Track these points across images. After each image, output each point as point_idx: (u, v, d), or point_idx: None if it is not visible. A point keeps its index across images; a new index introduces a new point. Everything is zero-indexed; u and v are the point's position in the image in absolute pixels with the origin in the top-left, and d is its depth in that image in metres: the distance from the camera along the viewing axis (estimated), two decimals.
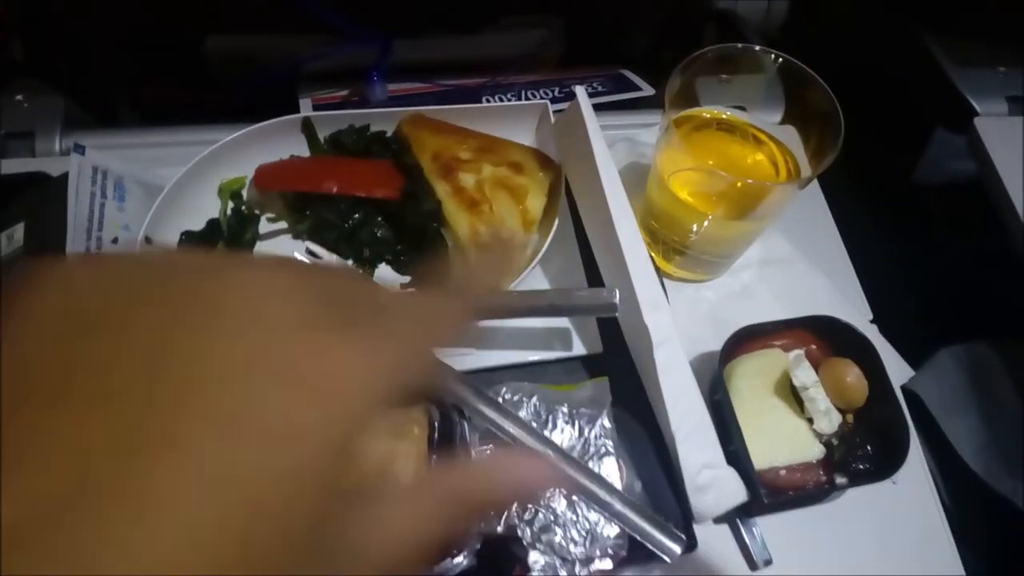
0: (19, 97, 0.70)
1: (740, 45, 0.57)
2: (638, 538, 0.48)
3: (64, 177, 0.59)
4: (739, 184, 0.55)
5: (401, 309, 0.23)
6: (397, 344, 0.21)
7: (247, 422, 0.17)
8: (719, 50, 0.58)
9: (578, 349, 0.60)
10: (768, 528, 0.56)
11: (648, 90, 0.77)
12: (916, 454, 0.60)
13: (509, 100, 0.76)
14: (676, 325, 0.55)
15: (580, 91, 0.58)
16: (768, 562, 0.55)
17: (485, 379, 0.55)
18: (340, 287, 0.22)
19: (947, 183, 0.87)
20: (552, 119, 0.64)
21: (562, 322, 0.61)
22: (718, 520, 0.56)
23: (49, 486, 0.16)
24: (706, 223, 0.59)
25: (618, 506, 0.48)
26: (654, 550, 0.48)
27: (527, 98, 0.76)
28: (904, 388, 0.64)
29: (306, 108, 0.75)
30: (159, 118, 0.77)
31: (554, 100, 0.65)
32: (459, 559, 0.48)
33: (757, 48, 0.57)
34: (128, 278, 0.19)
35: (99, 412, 0.17)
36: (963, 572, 0.56)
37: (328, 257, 0.54)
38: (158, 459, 0.16)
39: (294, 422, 0.18)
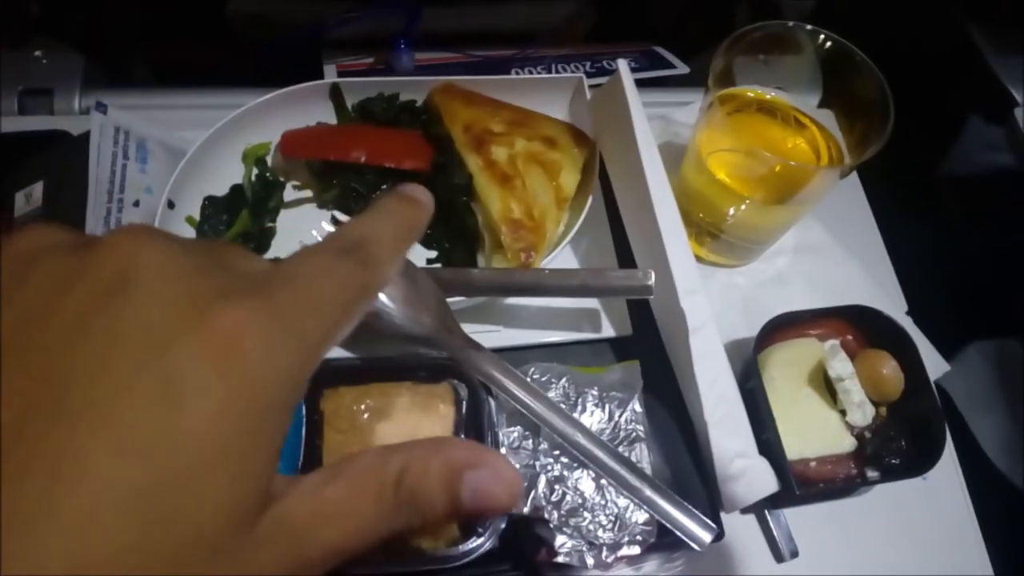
0: (38, 53, 0.68)
1: (790, 23, 0.55)
2: (667, 525, 0.47)
3: (85, 136, 0.57)
4: (778, 168, 0.53)
5: (283, 276, 0.22)
6: (292, 308, 0.21)
7: (159, 388, 0.18)
8: (765, 27, 0.56)
9: (607, 331, 0.59)
10: (794, 520, 0.55)
11: (682, 68, 0.75)
12: (946, 450, 0.58)
13: (539, 73, 0.74)
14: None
15: (623, 64, 0.56)
16: (795, 554, 0.54)
17: (511, 359, 0.54)
18: (223, 256, 0.22)
19: (981, 174, 0.85)
20: (587, 93, 0.63)
21: (591, 303, 0.60)
22: (745, 510, 0.55)
23: None
24: (743, 207, 0.58)
25: (648, 492, 0.47)
26: (683, 538, 0.47)
27: (558, 72, 0.74)
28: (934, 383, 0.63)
29: (331, 74, 0.73)
30: (178, 80, 0.76)
31: (586, 75, 0.63)
32: (482, 540, 0.47)
33: (808, 27, 0.55)
34: (38, 261, 0.20)
35: (16, 387, 0.17)
36: (992, 573, 0.56)
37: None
38: (76, 427, 0.17)
39: (198, 384, 0.18)
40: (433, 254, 0.61)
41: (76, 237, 0.21)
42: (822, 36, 0.56)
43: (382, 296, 0.51)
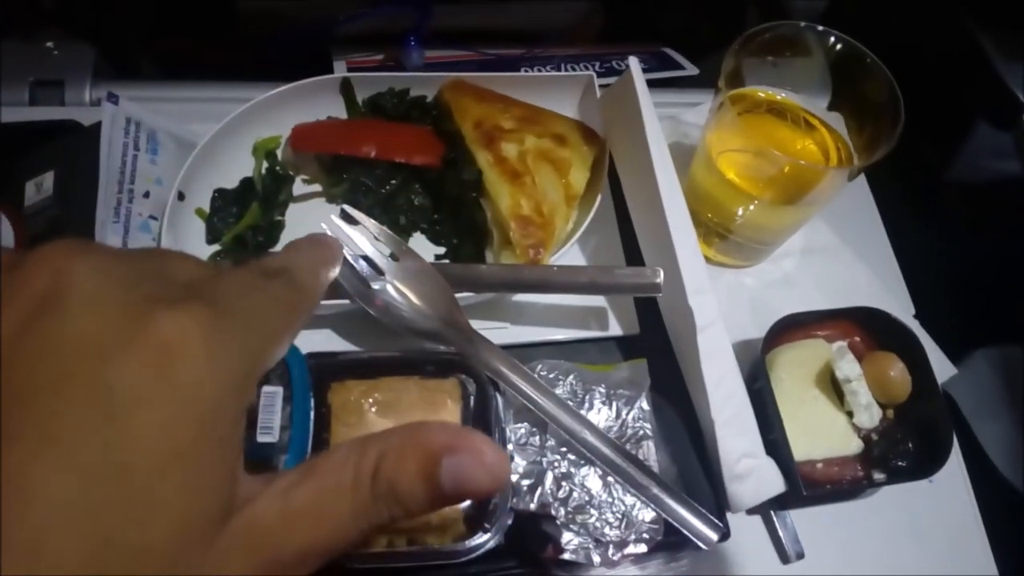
0: (49, 44, 0.68)
1: (802, 24, 0.55)
2: (674, 524, 0.47)
3: (96, 127, 0.57)
4: (788, 168, 0.53)
5: (216, 286, 0.22)
6: (230, 314, 0.21)
7: (100, 402, 0.17)
8: (777, 28, 0.56)
9: (614, 330, 0.59)
10: (799, 521, 0.55)
11: (691, 69, 0.75)
12: (953, 454, 0.58)
13: (548, 72, 0.74)
14: None
15: (634, 62, 0.56)
16: (800, 555, 0.54)
17: (519, 355, 0.54)
18: (159, 264, 0.22)
19: (987, 180, 0.85)
20: (597, 92, 0.63)
21: (598, 301, 0.60)
22: (751, 511, 0.55)
23: None
24: (752, 207, 0.58)
25: (655, 490, 0.47)
26: (690, 537, 0.47)
27: (567, 71, 0.74)
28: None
29: (340, 70, 0.73)
30: (187, 73, 0.75)
31: (595, 74, 0.64)
32: (488, 536, 0.46)
33: (820, 28, 0.55)
34: None
35: None
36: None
37: (364, 221, 0.53)
38: (18, 449, 0.16)
39: (140, 394, 0.18)
40: (441, 250, 0.61)
41: (6, 256, 0.21)
42: (833, 37, 0.56)
43: (390, 291, 0.51)
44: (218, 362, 0.19)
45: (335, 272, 0.28)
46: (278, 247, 0.58)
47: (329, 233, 0.52)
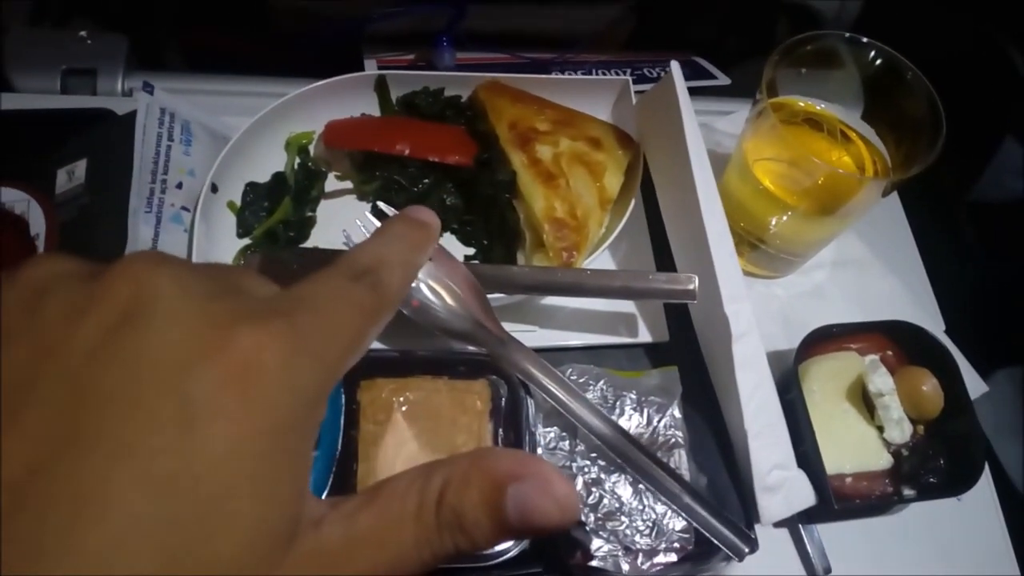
0: (83, 34, 0.68)
1: (847, 34, 0.55)
2: (706, 534, 0.47)
3: (129, 116, 0.57)
4: (824, 178, 0.53)
5: (297, 299, 0.22)
6: (308, 329, 0.21)
7: (179, 415, 0.17)
8: (820, 38, 0.56)
9: (643, 336, 0.58)
10: (827, 535, 0.54)
11: (723, 79, 0.75)
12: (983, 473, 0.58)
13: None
14: None
15: (675, 67, 0.56)
16: (828, 570, 0.53)
17: (547, 359, 0.53)
18: (236, 280, 0.22)
19: (1010, 200, 0.84)
20: (633, 97, 0.62)
21: (628, 307, 0.59)
22: (778, 523, 0.54)
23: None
24: (786, 217, 0.57)
25: (687, 499, 0.47)
26: (722, 548, 0.46)
27: (598, 76, 0.74)
28: None
29: (371, 68, 0.72)
30: (217, 67, 0.75)
31: None
32: (517, 540, 0.46)
33: (864, 40, 0.55)
34: (54, 291, 0.20)
35: (35, 421, 0.17)
36: None
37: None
38: (97, 459, 0.16)
39: (218, 408, 0.18)
40: (471, 251, 0.60)
41: (86, 266, 0.21)
42: (875, 50, 0.56)
43: (424, 289, 0.51)
44: (294, 379, 0.19)
45: (423, 263, 0.28)
46: (309, 243, 0.58)
47: (363, 230, 0.52)
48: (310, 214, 0.59)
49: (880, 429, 0.54)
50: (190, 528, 0.17)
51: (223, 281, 0.21)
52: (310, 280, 0.23)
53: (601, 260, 0.58)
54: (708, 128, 0.68)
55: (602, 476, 0.49)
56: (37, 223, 0.54)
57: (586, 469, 0.49)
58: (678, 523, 0.48)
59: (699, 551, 0.48)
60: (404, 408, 0.49)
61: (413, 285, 0.50)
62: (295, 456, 0.20)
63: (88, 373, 0.18)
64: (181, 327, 0.18)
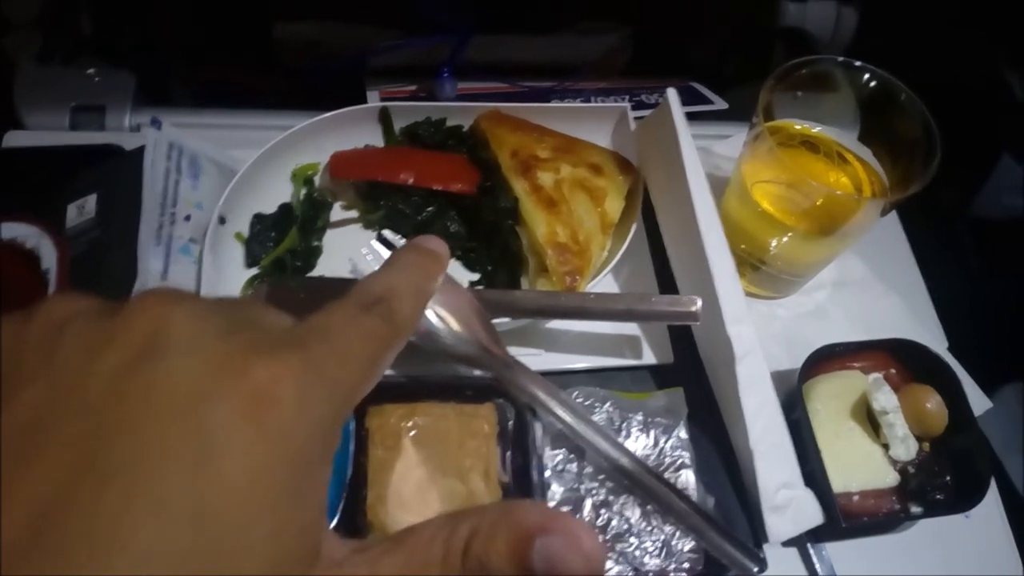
0: (91, 71, 0.69)
1: (840, 59, 0.56)
2: (715, 555, 0.47)
3: (138, 152, 0.58)
4: (820, 201, 0.54)
5: (311, 329, 0.22)
6: (323, 360, 0.21)
7: (196, 448, 0.17)
8: (814, 62, 0.57)
9: (648, 358, 0.59)
10: (835, 554, 0.54)
11: (720, 104, 0.76)
12: (990, 488, 0.58)
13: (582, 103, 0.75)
14: None
15: (671, 93, 0.57)
16: None
17: (553, 383, 0.54)
18: (249, 313, 0.22)
19: (1007, 218, 0.85)
20: (631, 123, 0.64)
21: (632, 330, 0.60)
22: (787, 543, 0.54)
23: (13, 524, 0.16)
24: (786, 238, 0.58)
25: (696, 519, 0.47)
26: (732, 568, 0.46)
27: (597, 103, 0.75)
28: None
29: (373, 100, 0.74)
30: (221, 102, 0.77)
31: None
32: None
33: (857, 63, 0.56)
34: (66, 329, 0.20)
35: (54, 456, 0.17)
36: None
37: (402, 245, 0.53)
38: (114, 493, 0.16)
39: (235, 440, 0.18)
40: (475, 276, 0.61)
41: (102, 304, 0.21)
42: (869, 73, 0.57)
43: (430, 315, 0.52)
44: (309, 409, 0.19)
45: (433, 291, 0.28)
46: (316, 272, 0.59)
47: (369, 259, 0.52)
48: (316, 243, 0.60)
49: (885, 447, 0.55)
50: (207, 561, 0.17)
51: (237, 316, 0.21)
52: (323, 311, 0.23)
53: (604, 284, 0.59)
54: (706, 152, 0.69)
55: (610, 498, 0.49)
56: (48, 257, 0.54)
57: (594, 491, 0.49)
58: (687, 544, 0.48)
59: (709, 571, 0.48)
60: (412, 433, 0.50)
61: None
62: (313, 488, 0.20)
63: (106, 408, 0.18)
64: (198, 362, 0.19)
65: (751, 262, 0.61)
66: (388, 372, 0.54)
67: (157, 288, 0.21)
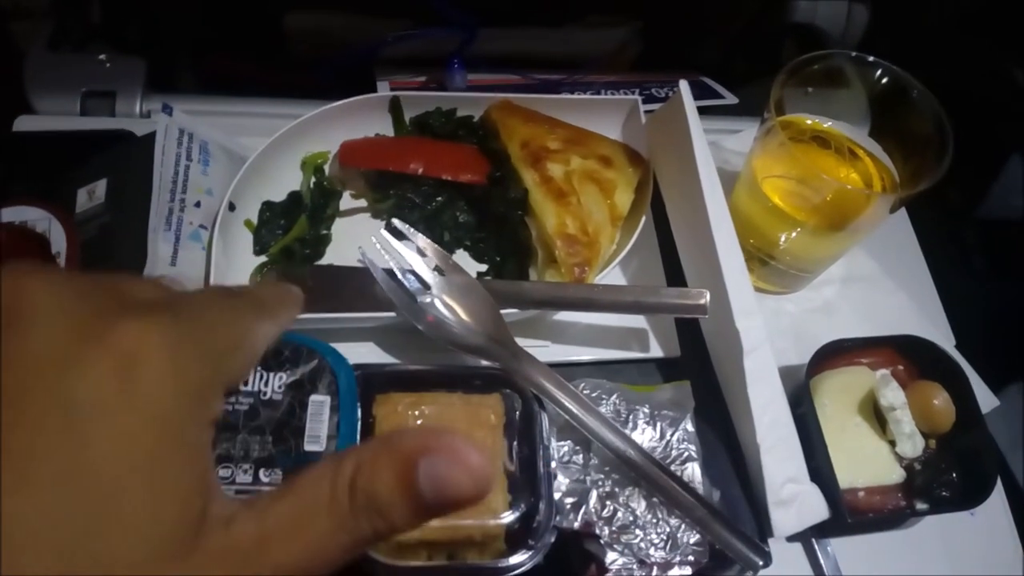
0: (102, 57, 0.69)
1: (853, 53, 0.56)
2: (720, 547, 0.47)
3: (149, 137, 0.58)
4: (833, 195, 0.53)
5: (177, 298, 0.22)
6: (191, 322, 0.21)
7: (60, 415, 0.17)
8: (827, 57, 0.57)
9: (655, 351, 0.59)
10: (840, 549, 0.54)
11: (730, 98, 0.76)
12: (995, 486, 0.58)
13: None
14: None
15: (684, 86, 0.57)
16: None
17: (560, 374, 0.54)
18: (116, 283, 0.22)
19: (1014, 218, 0.85)
20: (642, 116, 0.63)
21: (639, 322, 0.60)
22: (791, 538, 0.54)
23: None
24: (795, 233, 0.58)
25: (701, 512, 0.47)
26: (737, 562, 0.46)
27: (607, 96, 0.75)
28: None
29: (383, 91, 0.74)
30: (234, 90, 0.77)
31: None
32: (530, 554, 0.46)
33: (870, 58, 0.56)
34: None
35: None
36: None
37: (411, 235, 0.53)
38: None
39: (100, 405, 0.17)
40: (483, 267, 0.61)
41: None
42: (881, 68, 0.57)
43: (438, 304, 0.52)
44: (180, 369, 0.19)
45: (296, 311, 0.28)
46: (324, 260, 0.59)
47: (379, 247, 0.53)
48: (325, 232, 0.60)
49: (892, 443, 0.54)
50: (82, 527, 0.16)
51: (102, 282, 0.21)
52: (190, 291, 0.23)
53: (612, 276, 0.59)
54: (716, 147, 0.69)
55: (616, 489, 0.49)
56: (58, 241, 0.55)
57: (600, 482, 0.49)
58: (692, 536, 0.48)
59: (713, 564, 0.48)
60: (419, 422, 0.49)
61: (427, 300, 0.51)
62: (189, 450, 0.19)
63: None
64: (59, 328, 0.18)
65: (760, 257, 0.61)
66: (395, 361, 0.55)
67: (14, 263, 0.20)
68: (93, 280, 0.21)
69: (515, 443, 0.50)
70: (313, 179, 0.61)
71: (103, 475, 0.17)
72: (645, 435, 0.51)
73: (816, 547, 0.54)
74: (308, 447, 0.44)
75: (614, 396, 0.53)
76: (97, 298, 0.20)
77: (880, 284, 0.65)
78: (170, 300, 0.22)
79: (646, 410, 0.52)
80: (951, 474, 0.54)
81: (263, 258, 0.58)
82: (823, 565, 0.53)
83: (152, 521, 0.18)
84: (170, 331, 0.19)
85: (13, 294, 0.19)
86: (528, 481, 0.48)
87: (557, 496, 0.48)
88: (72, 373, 0.18)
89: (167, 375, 0.19)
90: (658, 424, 0.52)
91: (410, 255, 0.53)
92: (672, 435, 0.51)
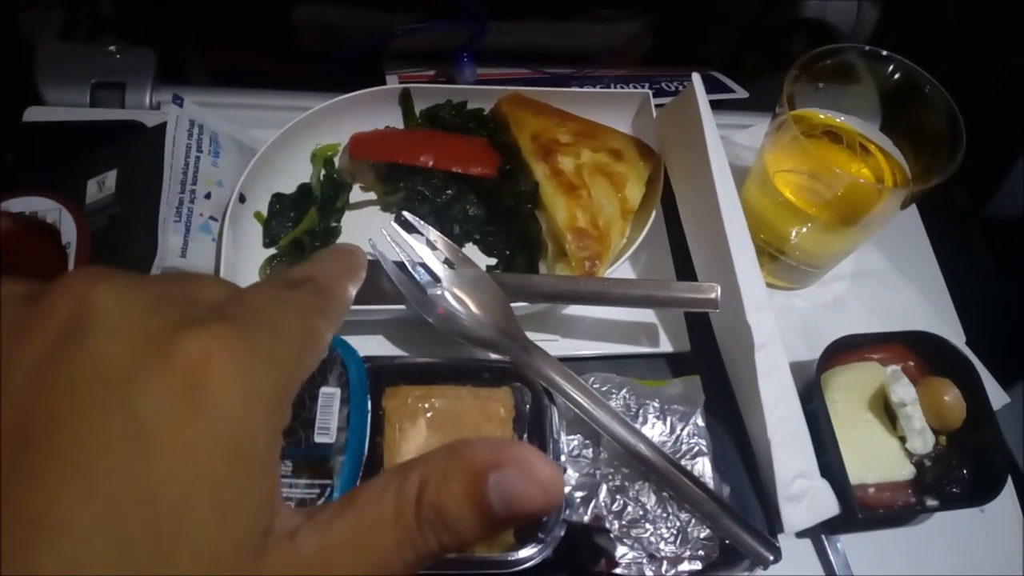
0: (112, 48, 0.69)
1: (867, 48, 0.56)
2: (730, 542, 0.47)
3: (159, 128, 0.58)
4: (845, 189, 0.53)
5: (241, 302, 0.21)
6: (257, 331, 0.20)
7: (126, 429, 0.17)
8: (839, 51, 0.56)
9: (665, 346, 0.59)
10: (849, 545, 0.54)
11: (741, 92, 0.76)
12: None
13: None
14: None
15: (696, 79, 0.57)
16: None
17: (569, 369, 0.54)
18: (183, 286, 0.22)
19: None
20: (653, 110, 0.63)
21: (649, 317, 0.59)
22: (801, 534, 0.54)
23: None
24: (806, 228, 0.58)
25: (711, 507, 0.47)
26: (747, 557, 0.46)
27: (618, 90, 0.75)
28: None
29: (393, 84, 0.74)
30: (243, 82, 0.77)
31: None
32: (539, 548, 0.46)
33: (883, 53, 0.56)
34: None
35: None
36: None
37: (422, 228, 0.53)
38: (46, 482, 0.16)
39: (166, 419, 0.17)
40: (493, 261, 0.61)
41: (30, 286, 0.20)
42: (894, 63, 0.56)
43: (448, 297, 0.52)
44: (247, 382, 0.19)
45: (360, 279, 0.27)
46: None
47: (388, 239, 0.53)
48: (335, 224, 0.60)
49: (902, 439, 0.54)
50: (148, 546, 0.16)
51: (165, 290, 0.21)
52: (250, 287, 0.23)
53: (622, 270, 0.59)
54: (726, 141, 0.68)
55: (626, 484, 0.49)
56: (68, 232, 0.55)
57: (610, 476, 0.49)
58: (702, 531, 0.48)
59: (723, 559, 0.48)
60: (429, 415, 0.49)
61: (438, 293, 0.51)
62: (257, 464, 0.19)
63: (32, 395, 0.17)
64: (123, 339, 0.18)
65: (770, 252, 0.61)
66: (404, 354, 0.55)
67: (84, 268, 0.20)
68: (159, 286, 0.21)
69: (525, 437, 0.50)
70: (323, 171, 0.61)
71: (167, 493, 0.17)
72: (655, 429, 0.51)
73: (826, 543, 0.54)
74: (318, 439, 0.44)
75: (624, 390, 0.53)
76: (162, 307, 0.19)
77: (890, 280, 0.65)
78: (236, 305, 0.21)
79: (656, 404, 0.52)
80: (961, 471, 0.54)
81: (273, 250, 0.58)
82: (832, 561, 0.53)
83: (217, 540, 0.17)
84: (236, 342, 0.19)
85: (79, 302, 0.19)
86: None
87: (567, 490, 0.48)
88: (136, 387, 0.17)
89: (233, 389, 0.18)
90: (668, 419, 0.52)
91: (420, 248, 0.53)
92: (682, 430, 0.51)
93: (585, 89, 0.70)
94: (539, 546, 0.46)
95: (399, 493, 0.20)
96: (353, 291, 0.26)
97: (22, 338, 0.18)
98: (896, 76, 0.57)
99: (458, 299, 0.52)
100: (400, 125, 0.63)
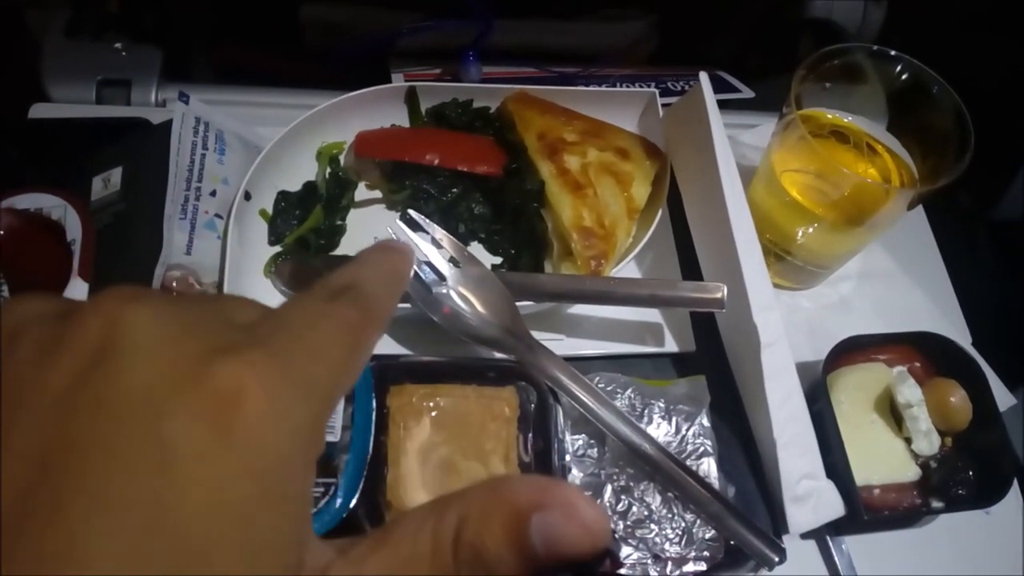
0: (117, 45, 0.69)
1: (875, 47, 0.56)
2: (735, 543, 0.47)
3: (164, 126, 0.58)
4: (852, 189, 0.53)
5: (279, 323, 0.20)
6: (294, 356, 0.19)
7: (154, 460, 0.16)
8: (847, 51, 0.56)
9: (670, 346, 0.58)
10: (855, 547, 0.54)
11: (747, 92, 0.76)
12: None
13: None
14: None
15: (704, 78, 0.56)
16: None
17: (574, 368, 0.54)
18: (216, 308, 0.21)
19: None
20: (659, 109, 0.63)
21: (654, 316, 0.59)
22: (806, 535, 0.54)
23: None
24: (813, 228, 0.57)
25: (716, 508, 0.47)
26: (752, 557, 0.46)
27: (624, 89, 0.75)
28: None
29: (399, 82, 0.73)
30: (250, 80, 0.77)
31: None
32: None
33: (892, 53, 0.55)
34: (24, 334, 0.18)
35: (8, 473, 0.16)
36: None
37: (427, 226, 0.53)
38: (70, 514, 0.15)
39: (196, 450, 0.16)
40: (499, 260, 0.61)
41: (61, 304, 0.19)
42: (902, 63, 0.56)
43: (453, 296, 0.52)
44: (281, 412, 0.18)
45: (407, 280, 0.26)
46: (339, 251, 0.59)
47: (394, 237, 0.52)
48: (340, 222, 0.60)
49: (908, 441, 0.54)
50: None
51: (201, 312, 0.20)
52: (287, 303, 0.22)
53: (628, 270, 0.58)
54: (733, 141, 0.68)
55: (631, 484, 0.49)
56: (73, 229, 0.55)
57: (615, 477, 0.49)
58: (707, 532, 0.48)
59: (728, 560, 0.47)
60: (433, 414, 0.49)
61: (443, 291, 0.51)
62: (290, 498, 0.18)
63: (58, 422, 0.17)
64: (153, 366, 0.17)
65: (776, 252, 0.61)
66: (410, 352, 0.55)
67: (117, 286, 0.19)
68: (192, 307, 0.20)
69: (529, 436, 0.50)
70: (328, 169, 0.61)
71: (195, 530, 0.16)
72: (660, 429, 0.51)
73: (831, 544, 0.54)
74: None
75: (629, 390, 0.52)
76: (195, 331, 0.19)
77: (897, 281, 0.65)
78: (272, 327, 0.20)
79: (661, 404, 0.52)
80: (967, 472, 0.54)
81: (278, 248, 0.58)
82: (838, 563, 0.53)
83: (248, 574, 0.17)
84: (271, 369, 0.18)
85: (108, 325, 0.18)
86: (542, 474, 0.48)
87: None
88: (166, 416, 0.17)
89: (266, 420, 0.17)
90: (673, 419, 0.51)
91: (425, 246, 0.52)
92: (687, 430, 0.51)
93: (591, 88, 0.70)
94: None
95: (436, 531, 0.20)
96: (398, 296, 0.25)
97: (49, 361, 0.17)
98: (904, 76, 0.57)
99: (463, 298, 0.51)
100: (406, 123, 0.63)
